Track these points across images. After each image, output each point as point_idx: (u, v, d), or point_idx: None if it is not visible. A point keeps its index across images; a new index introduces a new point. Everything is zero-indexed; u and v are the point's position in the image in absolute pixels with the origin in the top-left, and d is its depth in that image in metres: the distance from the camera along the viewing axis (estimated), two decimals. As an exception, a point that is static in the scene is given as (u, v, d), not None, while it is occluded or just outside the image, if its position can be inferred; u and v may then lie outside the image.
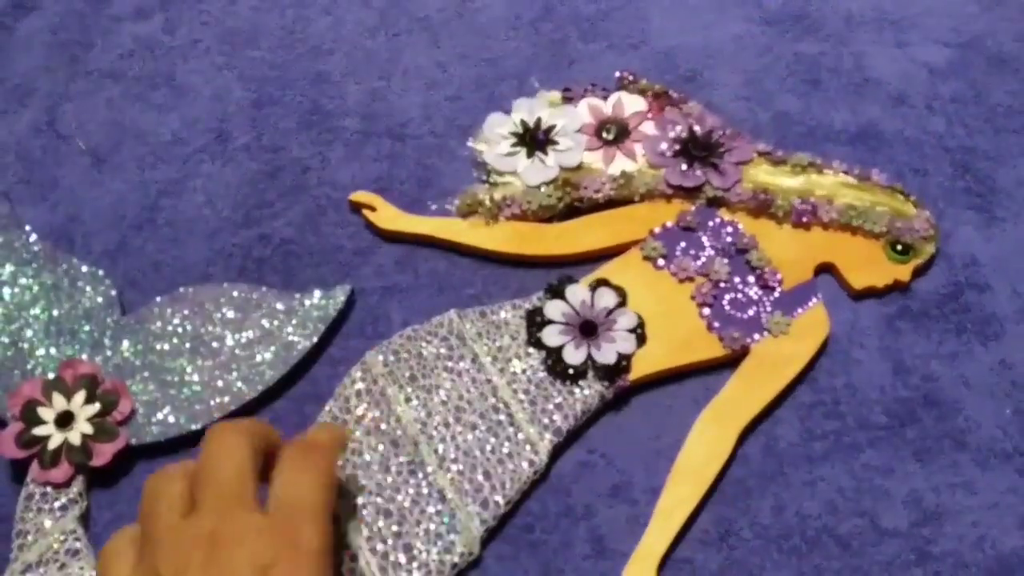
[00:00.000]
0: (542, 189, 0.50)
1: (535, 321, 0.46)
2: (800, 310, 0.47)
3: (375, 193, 0.52)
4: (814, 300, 0.47)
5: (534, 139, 0.52)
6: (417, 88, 0.57)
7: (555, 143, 0.52)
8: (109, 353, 0.46)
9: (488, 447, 0.43)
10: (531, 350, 0.45)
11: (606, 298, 0.47)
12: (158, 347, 0.46)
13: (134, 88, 0.58)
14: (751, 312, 0.47)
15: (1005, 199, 0.52)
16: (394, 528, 0.41)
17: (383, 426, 0.43)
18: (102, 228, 0.52)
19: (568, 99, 0.54)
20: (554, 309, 0.46)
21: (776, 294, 0.47)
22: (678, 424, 0.44)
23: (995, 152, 0.53)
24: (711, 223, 0.49)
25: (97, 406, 0.44)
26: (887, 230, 0.49)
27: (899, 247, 0.48)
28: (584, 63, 0.58)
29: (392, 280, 0.50)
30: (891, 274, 0.48)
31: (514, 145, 0.52)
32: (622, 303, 0.46)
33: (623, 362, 0.44)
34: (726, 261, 0.48)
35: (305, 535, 0.33)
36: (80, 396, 0.44)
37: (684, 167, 0.51)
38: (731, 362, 0.46)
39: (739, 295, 0.47)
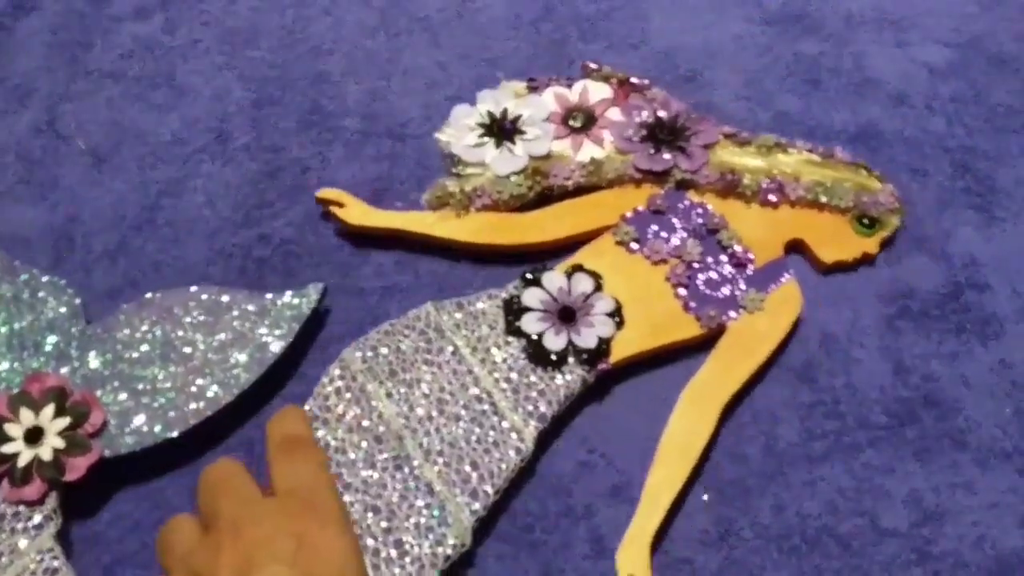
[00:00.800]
0: (512, 179, 0.51)
1: (513, 309, 0.46)
2: (773, 286, 0.47)
3: (375, 193, 0.52)
4: (786, 276, 0.48)
5: (501, 129, 0.52)
6: (417, 88, 0.57)
7: (523, 132, 0.52)
8: (77, 364, 0.45)
9: (473, 437, 0.43)
10: (510, 339, 0.45)
11: (583, 283, 0.47)
12: (127, 355, 0.45)
13: (134, 88, 0.58)
14: (726, 291, 0.47)
15: (1005, 199, 0.52)
16: (383, 524, 0.40)
17: (365, 423, 0.43)
18: (102, 228, 0.52)
19: (533, 89, 0.55)
20: (531, 297, 0.46)
21: (749, 272, 0.48)
22: (678, 424, 0.44)
23: (995, 152, 0.53)
24: (681, 205, 0.50)
25: (67, 419, 0.42)
26: (853, 205, 0.50)
27: (866, 220, 0.49)
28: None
29: (392, 280, 0.50)
30: (859, 247, 0.49)
31: (482, 136, 0.52)
32: (598, 288, 0.47)
33: (603, 346, 0.45)
34: (698, 242, 0.49)
35: (321, 506, 0.35)
36: (49, 410, 0.43)
37: (652, 151, 0.51)
38: (710, 341, 0.46)
39: (713, 274, 0.48)
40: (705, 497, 0.43)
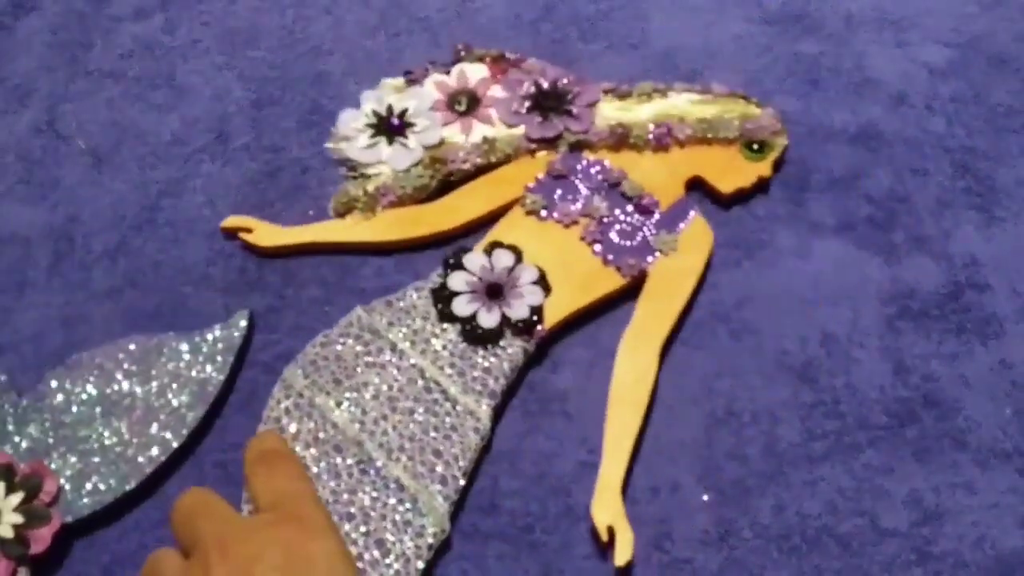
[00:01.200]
0: (412, 171, 0.51)
1: (443, 296, 0.47)
2: (682, 225, 0.49)
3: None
4: (692, 213, 0.50)
5: (390, 126, 0.53)
6: (417, 88, 0.57)
7: (412, 125, 0.53)
8: (17, 439, 0.44)
9: (431, 427, 0.43)
10: (445, 325, 0.46)
11: (503, 258, 0.48)
12: (67, 420, 0.44)
13: (134, 88, 0.58)
14: (638, 238, 0.49)
15: (1005, 199, 0.52)
16: (361, 529, 0.41)
17: (321, 435, 0.43)
18: (102, 228, 0.52)
19: (412, 81, 0.55)
20: (458, 280, 0.47)
21: (656, 216, 0.49)
22: (675, 423, 0.44)
23: (995, 152, 0.53)
24: (579, 166, 0.51)
25: (21, 494, 0.42)
26: (740, 133, 0.52)
27: (754, 146, 0.51)
28: (584, 63, 0.58)
29: (392, 280, 0.50)
30: (754, 172, 0.51)
31: (372, 136, 0.53)
32: (519, 259, 0.48)
33: (536, 313, 0.46)
34: (602, 197, 0.50)
35: (305, 514, 0.35)
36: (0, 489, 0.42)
37: (540, 120, 0.53)
38: (637, 289, 0.48)
39: (623, 225, 0.49)
40: (705, 497, 0.43)
